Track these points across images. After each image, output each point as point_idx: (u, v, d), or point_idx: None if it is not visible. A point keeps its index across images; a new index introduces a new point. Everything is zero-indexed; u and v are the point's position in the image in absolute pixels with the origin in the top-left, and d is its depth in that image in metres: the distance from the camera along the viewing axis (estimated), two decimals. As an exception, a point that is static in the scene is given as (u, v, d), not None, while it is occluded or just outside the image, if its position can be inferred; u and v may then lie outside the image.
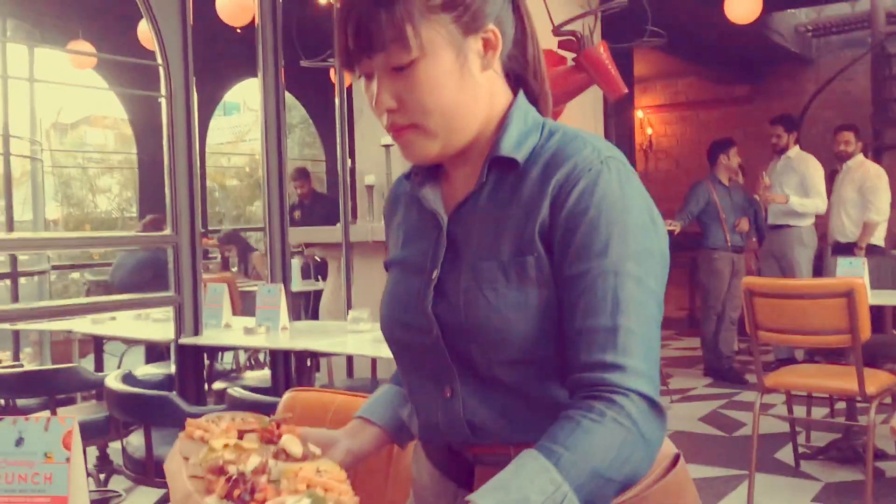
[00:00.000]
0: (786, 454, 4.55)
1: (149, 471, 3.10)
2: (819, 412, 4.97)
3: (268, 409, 2.74)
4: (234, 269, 7.80)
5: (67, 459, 1.23)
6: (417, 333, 1.11)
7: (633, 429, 0.95)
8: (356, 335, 3.66)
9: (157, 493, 3.84)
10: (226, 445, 1.12)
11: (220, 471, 1.07)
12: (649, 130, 11.20)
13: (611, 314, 0.99)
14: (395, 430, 1.25)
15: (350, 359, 4.71)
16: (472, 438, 1.09)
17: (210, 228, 10.21)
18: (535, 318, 1.03)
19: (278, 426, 1.18)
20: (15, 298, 6.17)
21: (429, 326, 1.09)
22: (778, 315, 3.83)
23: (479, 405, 1.08)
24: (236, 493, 0.98)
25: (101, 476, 4.24)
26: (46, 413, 3.43)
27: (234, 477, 1.00)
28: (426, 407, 1.14)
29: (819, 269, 6.32)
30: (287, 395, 1.91)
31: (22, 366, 4.80)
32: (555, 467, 0.92)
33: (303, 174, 7.89)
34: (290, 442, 1.13)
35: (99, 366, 4.89)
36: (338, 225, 4.82)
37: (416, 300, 1.11)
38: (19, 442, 1.24)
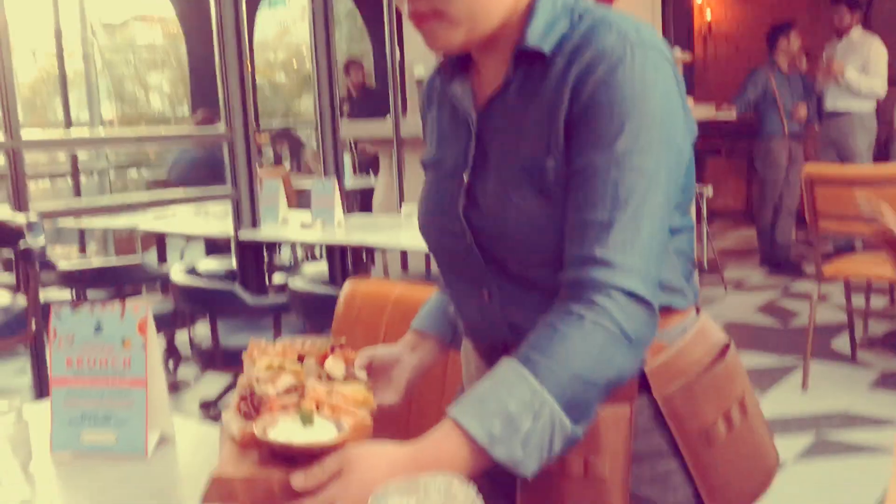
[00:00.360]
0: (842, 344, 4.53)
1: (216, 359, 3.22)
2: (878, 302, 4.91)
3: (328, 302, 2.81)
4: (287, 167, 7.86)
5: (143, 345, 1.28)
6: (452, 238, 1.10)
7: (615, 330, 0.93)
8: (410, 229, 3.70)
9: (224, 379, 4.01)
10: (269, 367, 1.16)
11: (250, 390, 1.12)
12: (709, 15, 10.75)
13: (609, 208, 0.96)
14: (451, 338, 1.27)
15: (404, 253, 4.77)
16: (514, 338, 1.09)
17: (261, 125, 10.24)
18: (563, 222, 1.00)
19: (332, 350, 1.21)
20: (77, 195, 6.33)
21: (462, 231, 1.08)
22: (838, 203, 3.74)
23: (517, 307, 1.07)
24: (242, 406, 1.02)
25: (170, 365, 4.44)
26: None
27: (246, 393, 1.04)
28: (467, 309, 1.15)
29: (884, 156, 6.12)
30: (347, 287, 1.95)
31: (89, 259, 4.97)
32: (532, 375, 0.91)
33: (355, 64, 7.81)
34: (334, 365, 1.16)
35: (161, 259, 5.04)
36: (388, 118, 4.79)
37: (449, 204, 1.10)
38: (98, 328, 1.29)
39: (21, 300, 2.77)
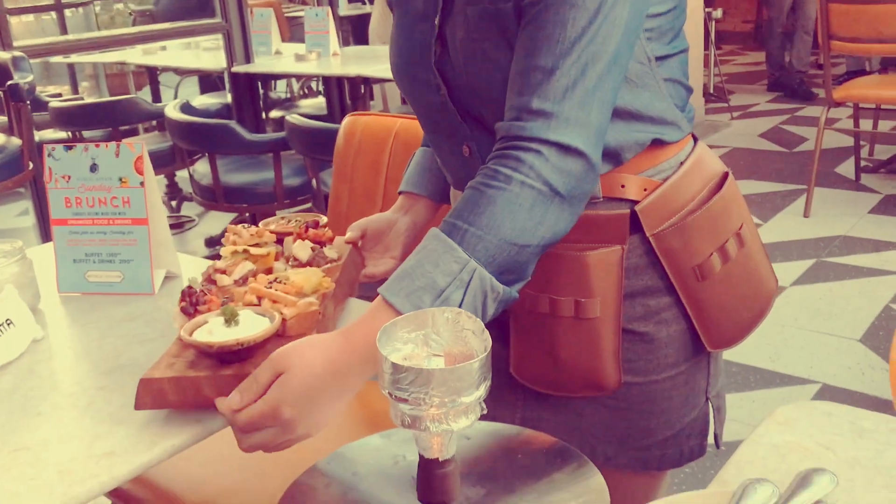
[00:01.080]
0: (846, 168, 4.50)
1: (217, 196, 3.22)
2: (886, 125, 4.84)
3: (328, 136, 2.76)
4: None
5: (141, 183, 1.26)
6: (426, 90, 1.04)
7: (545, 189, 0.87)
8: (409, 58, 3.58)
9: (228, 216, 4.02)
10: (233, 252, 1.15)
11: (209, 280, 1.12)
12: None
13: (555, 52, 0.88)
14: (442, 194, 1.23)
15: (403, 83, 4.65)
16: None
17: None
18: None
19: (306, 229, 1.20)
20: (63, 31, 6.11)
21: (437, 85, 1.02)
22: (853, 23, 3.60)
23: None
24: (182, 304, 1.01)
25: (173, 203, 4.44)
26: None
27: (186, 289, 1.03)
28: (451, 163, 1.10)
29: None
30: (347, 120, 1.90)
31: (82, 98, 4.87)
32: (459, 246, 0.86)
33: None
34: (300, 247, 1.15)
35: (156, 97, 4.93)
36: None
37: (421, 54, 1.03)
38: (94, 168, 1.26)
39: (16, 141, 2.72)
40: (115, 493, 1.42)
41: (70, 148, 1.27)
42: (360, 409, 1.64)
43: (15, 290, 1.14)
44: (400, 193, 1.26)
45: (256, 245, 1.19)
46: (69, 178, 1.27)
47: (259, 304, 1.02)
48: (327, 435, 1.44)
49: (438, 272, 0.86)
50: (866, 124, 4.53)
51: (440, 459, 0.78)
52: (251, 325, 0.96)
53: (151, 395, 0.93)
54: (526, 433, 0.92)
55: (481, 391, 0.75)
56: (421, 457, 0.78)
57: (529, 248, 0.88)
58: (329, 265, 1.15)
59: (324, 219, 1.28)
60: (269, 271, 1.15)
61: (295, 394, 0.83)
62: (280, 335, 1.00)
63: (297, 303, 1.01)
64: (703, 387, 1.11)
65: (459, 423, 0.75)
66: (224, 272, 1.13)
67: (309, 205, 3.26)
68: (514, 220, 0.87)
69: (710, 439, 1.15)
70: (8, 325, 1.11)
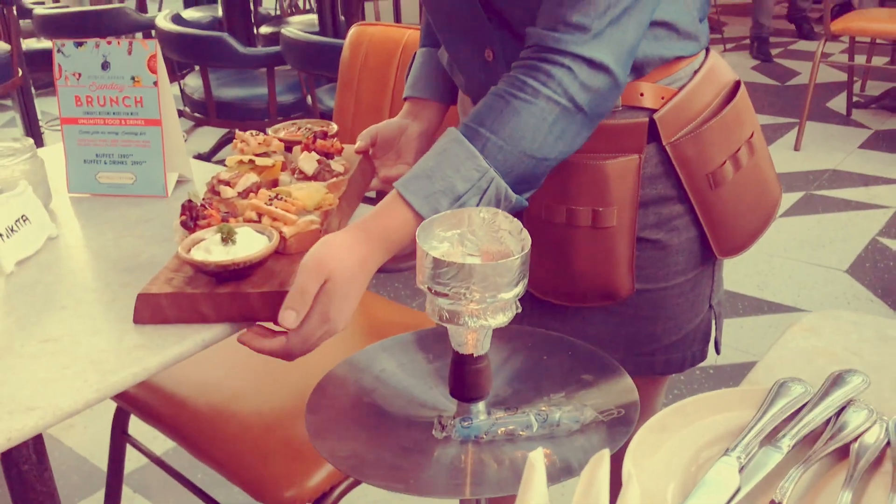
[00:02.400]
0: (838, 103, 4.50)
1: (209, 111, 3.16)
2: (879, 61, 4.83)
3: (324, 50, 2.71)
4: None
5: (155, 83, 1.23)
6: None
7: (570, 105, 0.88)
8: (406, -25, 3.50)
9: (217, 133, 3.97)
10: (239, 162, 1.12)
11: (212, 190, 1.09)
12: None
13: None
14: (451, 96, 1.22)
15: (397, 1, 4.56)
16: None
17: None
18: None
19: (314, 140, 1.16)
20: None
21: None
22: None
23: None
24: (182, 218, 0.99)
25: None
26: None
27: (186, 202, 1.01)
28: (468, 67, 1.08)
29: None
30: (353, 30, 1.86)
31: (67, 7, 4.73)
32: (480, 154, 0.88)
33: None
34: (305, 160, 1.12)
35: (141, 8, 4.80)
36: None
37: None
38: (105, 66, 1.24)
39: (5, 46, 2.64)
40: (124, 398, 1.43)
41: (80, 44, 1.24)
42: (364, 319, 1.65)
43: (29, 187, 1.13)
44: (406, 99, 1.24)
45: (264, 154, 1.17)
46: (79, 75, 1.24)
47: (259, 221, 1.01)
48: (334, 346, 1.46)
49: (458, 177, 0.88)
50: (860, 59, 4.51)
51: (474, 355, 0.79)
52: (249, 244, 0.94)
53: (150, 309, 0.93)
54: (548, 335, 0.93)
55: (519, 289, 0.75)
56: (455, 352, 0.79)
57: (547, 161, 0.90)
58: (335, 179, 1.13)
59: (334, 127, 1.26)
60: (274, 183, 1.13)
61: (340, 296, 0.86)
62: (280, 253, 0.99)
63: (297, 221, 1.00)
64: (708, 293, 1.14)
65: (497, 319, 0.76)
66: (228, 184, 1.10)
67: (314, 119, 3.22)
68: (537, 135, 0.89)
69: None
70: (24, 221, 1.09)
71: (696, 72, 1.04)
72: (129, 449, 1.60)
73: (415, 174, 0.89)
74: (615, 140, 1.00)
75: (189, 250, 0.94)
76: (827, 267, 2.91)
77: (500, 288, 0.74)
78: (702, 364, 1.18)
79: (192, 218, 0.99)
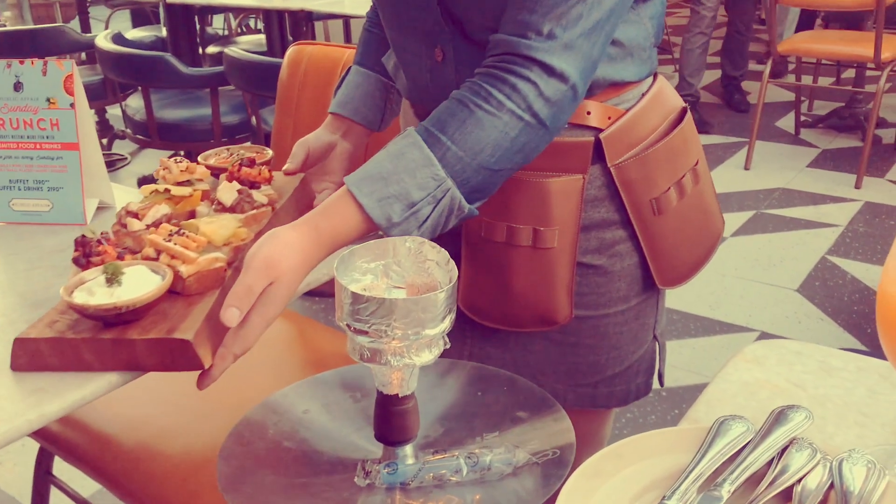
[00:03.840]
0: (787, 123, 4.56)
1: (151, 132, 3.08)
2: (825, 81, 4.91)
3: (269, 70, 2.65)
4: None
5: (72, 105, 1.17)
6: None
7: (533, 121, 0.86)
8: (354, -6, 3.47)
9: (162, 154, 3.88)
10: (153, 192, 1.04)
11: (120, 223, 1.01)
12: None
13: None
14: (378, 124, 1.18)
15: (347, 22, 4.52)
16: None
17: None
18: None
19: (239, 168, 1.08)
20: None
21: None
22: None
23: (472, 70, 0.94)
24: (75, 254, 0.92)
25: (104, 141, 4.26)
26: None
27: (79, 238, 0.93)
28: (415, 68, 1.04)
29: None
30: (291, 50, 1.81)
31: (4, 26, 4.60)
32: (439, 162, 0.85)
33: None
34: (224, 190, 1.04)
35: (85, 29, 4.69)
36: None
37: None
38: (17, 87, 1.17)
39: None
40: (45, 436, 1.35)
41: (-8, 64, 1.17)
42: (304, 351, 1.59)
43: (-69, 216, 1.05)
44: (332, 114, 1.18)
45: (186, 183, 1.09)
46: (-9, 97, 1.17)
47: (157, 259, 0.92)
48: (270, 378, 1.39)
49: (414, 184, 0.85)
50: (807, 79, 4.58)
51: (399, 395, 0.73)
52: (137, 285, 0.86)
53: (28, 355, 0.84)
54: (484, 369, 0.88)
55: (446, 324, 0.71)
56: (379, 393, 0.74)
57: (503, 172, 0.89)
58: (254, 211, 1.04)
59: (268, 153, 1.19)
60: (191, 214, 1.04)
61: (283, 297, 0.83)
62: (178, 293, 0.89)
63: (196, 259, 0.90)
64: (652, 323, 1.11)
65: (422, 357, 0.71)
66: (136, 216, 1.01)
67: (248, 143, 3.15)
68: (497, 148, 0.86)
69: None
70: (-76, 253, 1.02)
71: (643, 94, 1.01)
72: (55, 490, 1.52)
73: (369, 174, 0.86)
74: (560, 158, 0.97)
75: (72, 292, 0.85)
76: (778, 286, 2.92)
77: (424, 324, 0.69)
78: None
79: (84, 255, 0.90)
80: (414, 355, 0.70)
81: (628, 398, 1.12)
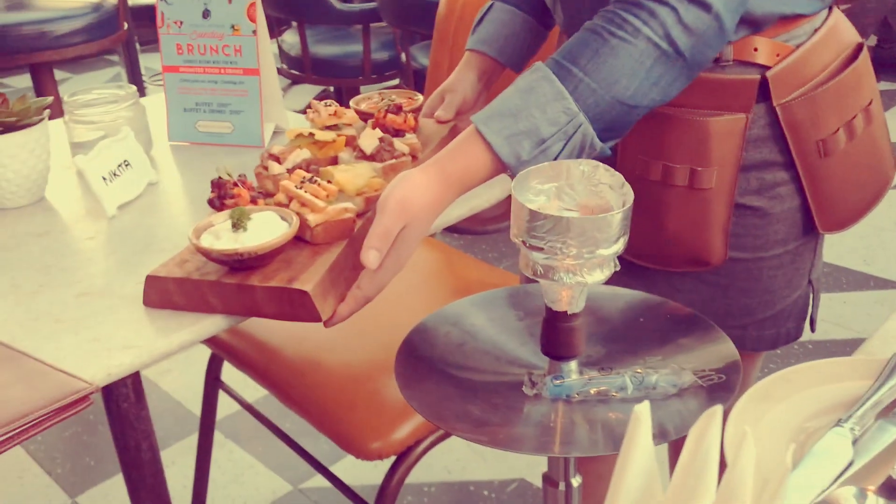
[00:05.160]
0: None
1: (306, 67, 3.19)
2: None
3: (424, 6, 2.68)
4: None
5: (254, 32, 1.23)
6: None
7: (670, 49, 0.82)
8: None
9: (312, 91, 4.01)
10: (298, 135, 1.04)
11: (263, 166, 1.02)
12: None
13: None
14: (521, 67, 1.16)
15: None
16: None
17: None
18: None
19: (385, 114, 1.07)
20: None
21: None
22: None
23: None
24: (211, 196, 0.93)
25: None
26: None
27: (216, 179, 0.94)
28: (575, 1, 1.00)
29: None
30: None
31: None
32: (571, 96, 0.82)
33: None
34: (366, 137, 1.02)
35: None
36: None
37: None
38: (206, 14, 1.24)
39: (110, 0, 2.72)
40: (217, 344, 1.47)
41: (182, -7, 1.25)
42: (452, 279, 1.64)
43: (131, 133, 1.15)
44: (475, 51, 1.15)
45: (333, 127, 1.09)
46: (181, 23, 1.26)
47: (288, 205, 0.92)
48: (421, 301, 1.44)
49: (544, 120, 0.83)
50: None
51: (568, 313, 0.76)
52: (262, 232, 0.85)
53: (158, 292, 0.86)
54: (649, 299, 0.90)
55: (619, 245, 0.72)
56: (548, 309, 0.77)
57: (638, 108, 0.85)
58: (393, 161, 1.02)
59: (418, 99, 1.17)
60: (334, 160, 1.03)
61: (415, 239, 0.85)
62: (306, 242, 0.90)
63: (325, 208, 0.89)
64: (808, 268, 1.07)
65: (594, 276, 0.73)
66: (277, 159, 1.01)
67: (396, 80, 3.21)
68: (632, 79, 0.83)
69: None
70: (126, 166, 1.12)
71: (816, 30, 0.97)
72: (222, 395, 1.65)
73: (497, 111, 0.84)
74: (722, 96, 0.95)
75: (200, 234, 0.87)
76: (941, 243, 2.75)
77: (598, 243, 0.71)
78: (800, 339, 1.13)
79: (219, 196, 0.93)
80: (586, 273, 0.73)
81: (777, 342, 1.10)
